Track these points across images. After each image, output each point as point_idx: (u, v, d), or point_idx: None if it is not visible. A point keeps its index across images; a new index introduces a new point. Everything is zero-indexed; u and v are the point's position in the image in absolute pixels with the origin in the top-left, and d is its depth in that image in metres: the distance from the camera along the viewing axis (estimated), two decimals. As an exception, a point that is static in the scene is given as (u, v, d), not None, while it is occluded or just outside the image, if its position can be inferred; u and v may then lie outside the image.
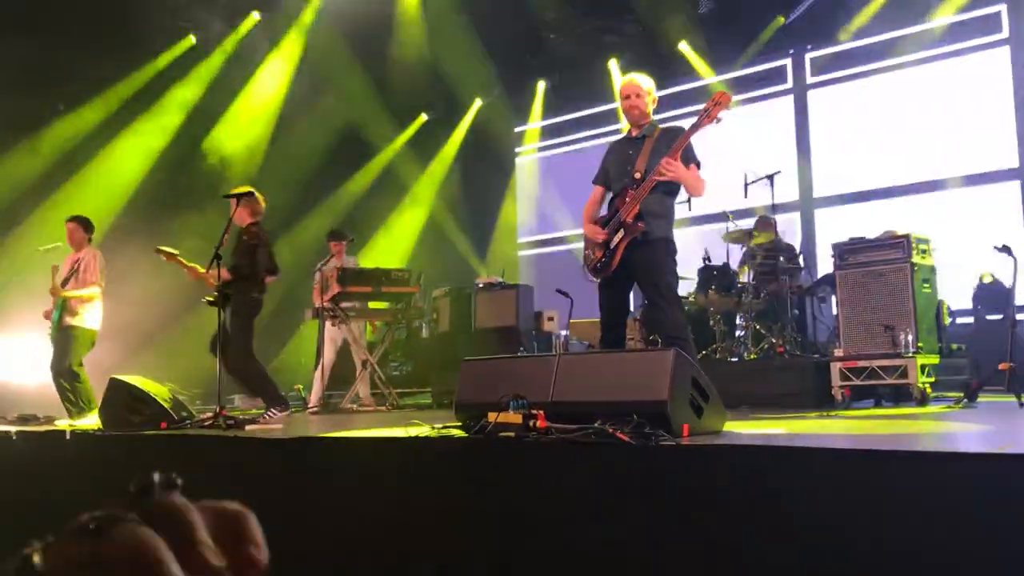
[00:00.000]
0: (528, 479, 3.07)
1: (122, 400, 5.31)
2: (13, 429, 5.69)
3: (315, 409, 7.57)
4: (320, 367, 7.90)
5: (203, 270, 6.21)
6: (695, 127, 4.49)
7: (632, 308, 8.82)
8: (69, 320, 6.99)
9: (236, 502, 0.48)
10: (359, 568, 3.41)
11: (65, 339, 6.98)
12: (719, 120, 4.47)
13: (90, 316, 7.05)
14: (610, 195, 4.83)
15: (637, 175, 4.57)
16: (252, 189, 6.49)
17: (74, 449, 5.02)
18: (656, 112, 4.90)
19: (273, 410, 6.24)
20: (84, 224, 7.18)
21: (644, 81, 4.76)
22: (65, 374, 6.89)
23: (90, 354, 7.22)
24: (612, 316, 4.75)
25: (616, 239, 4.55)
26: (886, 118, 10.07)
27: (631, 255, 4.53)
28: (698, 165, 4.61)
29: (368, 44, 11.76)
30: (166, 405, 5.30)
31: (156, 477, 0.45)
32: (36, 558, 0.40)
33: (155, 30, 10.90)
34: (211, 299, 6.19)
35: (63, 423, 6.38)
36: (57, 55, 9.79)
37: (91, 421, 6.42)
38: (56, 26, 9.67)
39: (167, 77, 11.12)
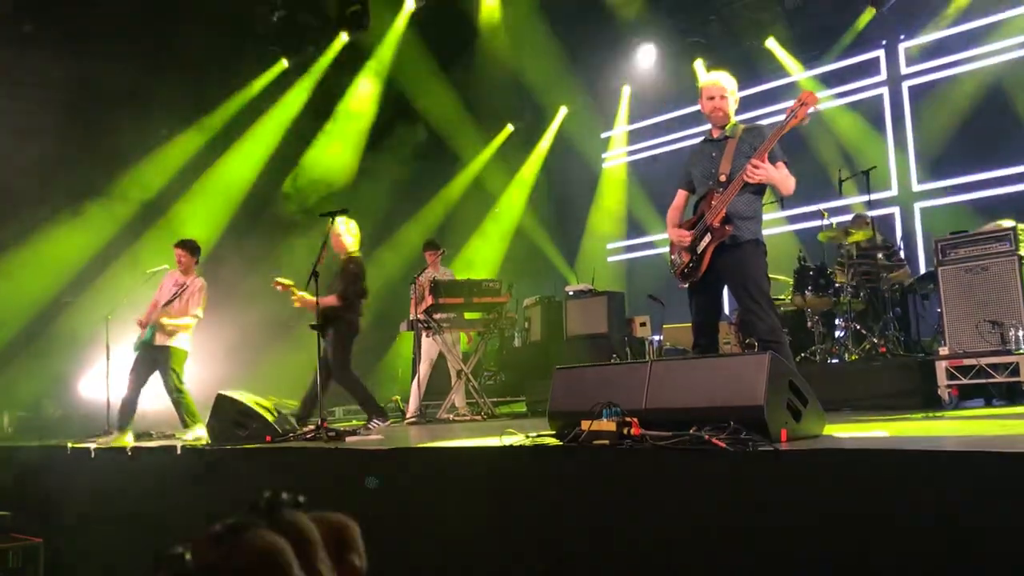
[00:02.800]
0: (623, 487, 3.07)
1: (229, 415, 5.50)
2: (128, 446, 5.97)
3: (413, 420, 7.69)
4: (416, 378, 8.03)
5: (311, 297, 6.56)
6: (781, 128, 4.40)
7: (727, 312, 8.75)
8: (165, 340, 7.15)
9: (340, 513, 0.53)
10: (456, 574, 3.46)
11: (160, 358, 7.16)
12: (806, 121, 4.38)
13: (184, 339, 7.27)
14: (694, 198, 4.78)
15: (722, 178, 4.50)
16: (345, 215, 6.97)
17: (185, 463, 5.23)
18: (746, 111, 4.83)
19: (375, 421, 6.73)
20: (191, 249, 7.38)
21: (727, 81, 4.70)
22: (170, 391, 7.14)
23: (198, 370, 7.51)
24: (704, 321, 4.69)
25: (703, 244, 4.50)
26: (988, 106, 9.66)
27: (720, 259, 4.47)
28: (786, 163, 4.52)
29: (453, 57, 11.94)
30: (271, 419, 5.46)
31: (284, 495, 0.50)
32: (187, 555, 0.45)
33: (249, 56, 11.31)
34: (314, 324, 6.49)
35: (189, 437, 6.66)
36: (158, 83, 10.24)
37: (195, 435, 6.69)
38: (155, 54, 10.13)
39: (262, 101, 11.51)
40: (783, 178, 4.45)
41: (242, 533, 0.46)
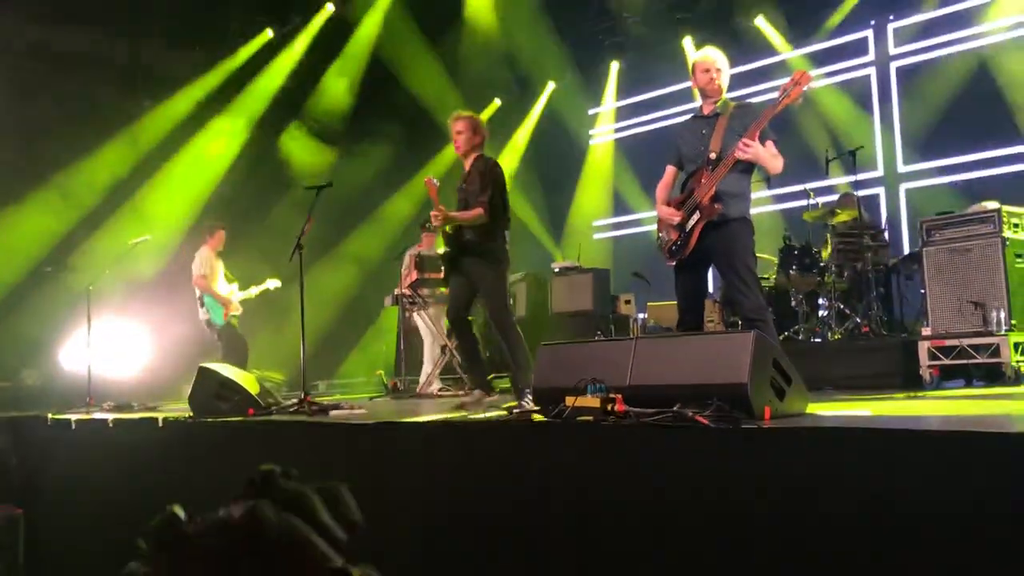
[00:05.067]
0: (606, 463, 3.07)
1: (211, 388, 5.46)
2: (110, 417, 5.94)
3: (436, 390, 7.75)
4: (400, 353, 8.02)
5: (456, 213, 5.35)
6: (774, 107, 4.40)
7: (712, 290, 8.78)
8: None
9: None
10: (441, 550, 3.47)
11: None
12: (799, 100, 4.37)
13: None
14: (683, 175, 4.76)
15: (712, 155, 4.49)
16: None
17: (166, 435, 5.21)
18: (734, 89, 4.80)
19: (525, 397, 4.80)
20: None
21: (721, 56, 4.69)
22: None
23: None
24: (689, 299, 4.69)
25: (692, 221, 4.49)
26: (975, 89, 9.66)
27: (708, 237, 4.47)
28: (775, 142, 4.52)
29: (439, 31, 11.83)
30: (253, 392, 5.43)
31: (276, 468, 0.51)
32: (179, 512, 0.45)
33: (233, 26, 11.17)
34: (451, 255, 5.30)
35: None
36: (143, 51, 10.11)
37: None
38: (139, 22, 10.00)
39: (246, 72, 11.37)
40: (772, 157, 4.45)
41: (257, 518, 0.47)
